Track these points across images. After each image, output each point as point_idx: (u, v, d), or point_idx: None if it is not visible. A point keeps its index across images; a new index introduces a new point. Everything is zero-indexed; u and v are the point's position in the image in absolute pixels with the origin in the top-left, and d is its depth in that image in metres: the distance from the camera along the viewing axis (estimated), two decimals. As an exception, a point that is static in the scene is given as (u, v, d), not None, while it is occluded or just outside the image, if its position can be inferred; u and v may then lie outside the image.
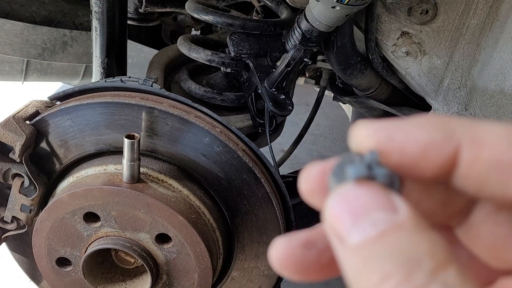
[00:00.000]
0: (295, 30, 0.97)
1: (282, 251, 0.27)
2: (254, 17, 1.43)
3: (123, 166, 0.78)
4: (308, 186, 0.27)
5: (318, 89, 1.60)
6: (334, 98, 1.41)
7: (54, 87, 2.55)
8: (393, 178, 0.25)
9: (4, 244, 0.95)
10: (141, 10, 1.42)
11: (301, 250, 0.27)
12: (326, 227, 0.25)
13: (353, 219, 0.24)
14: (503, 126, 0.24)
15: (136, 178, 0.80)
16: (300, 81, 1.64)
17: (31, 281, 1.05)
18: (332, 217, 0.25)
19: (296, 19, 0.97)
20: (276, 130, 1.23)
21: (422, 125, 0.24)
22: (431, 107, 1.06)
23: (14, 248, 1.00)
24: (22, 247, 0.99)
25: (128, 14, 1.30)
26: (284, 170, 1.41)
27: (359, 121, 0.27)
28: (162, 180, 0.84)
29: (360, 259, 0.23)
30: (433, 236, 0.22)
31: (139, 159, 0.79)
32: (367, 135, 0.26)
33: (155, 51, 1.53)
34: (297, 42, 0.96)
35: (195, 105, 0.85)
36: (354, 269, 0.23)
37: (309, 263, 0.27)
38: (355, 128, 0.27)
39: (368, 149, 0.26)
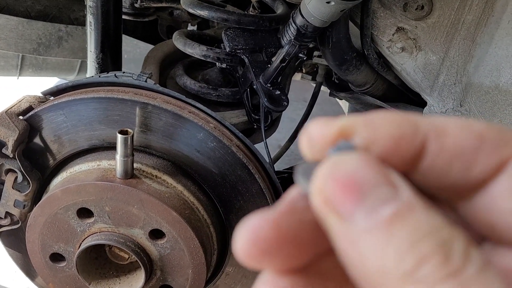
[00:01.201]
0: (290, 26, 0.96)
1: (264, 227, 0.24)
2: (251, 13, 1.42)
3: (117, 162, 0.78)
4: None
5: (313, 85, 1.60)
6: (330, 94, 1.41)
7: (50, 82, 2.54)
8: None
9: (-2, 239, 0.95)
10: (136, 5, 1.42)
11: (290, 217, 0.24)
12: (319, 203, 0.22)
13: (358, 195, 0.21)
14: (463, 119, 0.24)
15: (130, 174, 0.80)
16: (297, 77, 1.63)
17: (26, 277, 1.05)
18: (330, 192, 0.22)
19: (291, 15, 0.96)
20: (272, 126, 1.23)
21: (391, 120, 0.24)
22: (426, 103, 1.06)
23: (8, 244, 1.00)
24: (16, 242, 0.99)
25: (123, 9, 1.30)
26: (280, 166, 1.41)
27: (316, 121, 0.25)
28: (156, 176, 0.83)
29: (380, 242, 0.21)
30: (442, 216, 0.21)
31: (133, 155, 0.78)
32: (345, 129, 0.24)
33: (151, 47, 1.53)
34: (292, 38, 0.96)
35: (189, 100, 0.85)
36: (373, 253, 0.21)
37: (304, 236, 0.24)
38: (320, 125, 0.25)
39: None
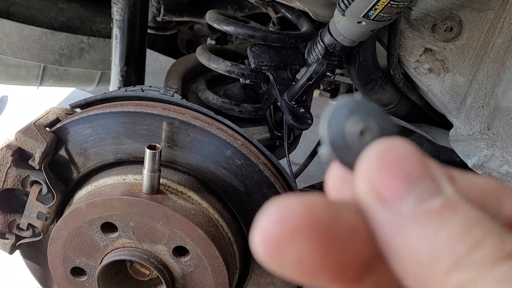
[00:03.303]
0: (318, 44, 0.96)
1: (300, 206, 0.21)
2: (271, 29, 1.43)
3: (143, 177, 0.77)
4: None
5: (331, 102, 1.59)
6: (351, 112, 1.40)
7: (64, 93, 2.56)
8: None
9: (17, 250, 0.94)
10: (158, 19, 1.43)
11: (326, 209, 0.22)
12: (366, 192, 0.22)
13: (407, 184, 0.22)
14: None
15: (156, 189, 0.79)
16: (315, 93, 1.63)
17: (41, 288, 1.04)
18: (378, 179, 0.22)
19: (319, 33, 0.96)
20: (293, 143, 1.22)
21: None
22: (450, 124, 1.05)
23: (27, 255, 0.99)
24: (35, 254, 0.98)
25: (146, 22, 1.30)
26: (298, 184, 1.40)
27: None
28: (182, 192, 0.83)
29: (430, 229, 0.21)
30: (484, 211, 0.22)
31: (160, 170, 0.78)
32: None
33: (171, 60, 1.53)
34: (320, 56, 0.95)
35: (218, 117, 0.84)
36: (422, 239, 0.21)
37: (335, 231, 0.21)
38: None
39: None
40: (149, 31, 1.45)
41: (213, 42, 1.73)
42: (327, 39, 0.93)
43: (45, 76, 1.44)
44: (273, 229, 0.21)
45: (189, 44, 1.62)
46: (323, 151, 0.24)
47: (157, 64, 1.51)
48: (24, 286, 1.54)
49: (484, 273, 0.20)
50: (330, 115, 0.24)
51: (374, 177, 0.22)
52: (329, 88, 1.64)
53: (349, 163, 0.24)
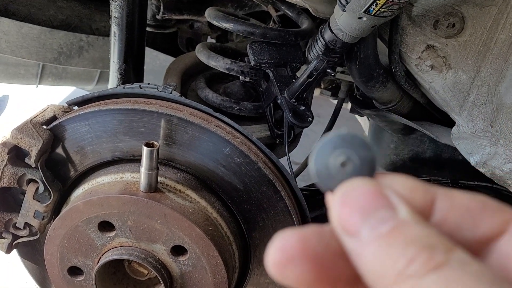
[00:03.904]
0: (318, 41, 0.95)
1: (294, 238, 0.28)
2: (271, 26, 1.41)
3: (141, 175, 0.76)
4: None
5: (332, 101, 1.58)
6: (352, 111, 1.39)
7: (64, 92, 2.55)
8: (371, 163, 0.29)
9: (14, 250, 0.93)
10: (158, 17, 1.42)
11: (316, 238, 0.28)
12: (336, 225, 0.28)
13: (362, 217, 0.27)
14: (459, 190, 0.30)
15: (154, 188, 0.78)
16: (316, 92, 1.62)
17: (39, 288, 1.03)
18: (342, 215, 0.28)
19: (319, 29, 0.95)
20: (293, 141, 1.21)
21: (408, 180, 0.29)
22: (453, 122, 1.04)
23: (24, 255, 0.98)
24: (32, 253, 0.97)
25: (145, 20, 1.29)
26: (299, 183, 1.39)
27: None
28: (180, 190, 0.81)
29: (378, 250, 0.26)
30: (432, 228, 0.27)
31: (157, 168, 0.77)
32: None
33: (170, 58, 1.52)
34: (320, 53, 0.94)
35: (216, 114, 0.83)
36: (374, 259, 0.26)
37: (324, 256, 0.28)
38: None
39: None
40: (148, 29, 1.44)
41: (214, 40, 1.72)
42: (327, 35, 0.92)
43: (44, 74, 1.43)
44: (276, 256, 0.28)
45: (189, 42, 1.61)
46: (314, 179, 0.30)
47: (157, 62, 1.50)
48: (24, 286, 1.53)
49: (417, 284, 0.24)
50: (317, 149, 0.29)
51: (339, 213, 0.28)
52: (330, 87, 1.63)
53: (332, 190, 0.29)
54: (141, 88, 0.89)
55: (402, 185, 0.29)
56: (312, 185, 1.17)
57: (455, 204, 0.28)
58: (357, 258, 0.27)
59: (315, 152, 0.29)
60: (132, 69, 1.11)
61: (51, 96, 2.50)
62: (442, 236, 0.26)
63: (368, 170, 0.29)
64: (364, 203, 0.27)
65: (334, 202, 0.28)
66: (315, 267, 0.28)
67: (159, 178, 0.80)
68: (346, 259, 0.28)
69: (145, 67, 1.24)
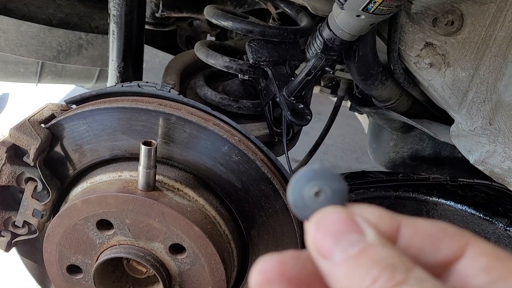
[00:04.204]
0: (317, 39, 0.95)
1: (273, 262, 0.31)
2: (271, 24, 1.41)
3: (139, 173, 0.76)
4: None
5: (332, 98, 1.58)
6: (351, 108, 1.38)
7: (65, 90, 2.55)
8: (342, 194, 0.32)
9: (13, 248, 0.93)
10: (157, 15, 1.41)
11: (293, 262, 0.31)
12: (311, 249, 0.31)
13: (334, 241, 0.30)
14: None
15: (152, 186, 0.78)
16: (315, 90, 1.62)
17: (39, 286, 1.03)
18: (316, 240, 0.31)
19: (318, 27, 0.95)
20: (292, 139, 1.21)
21: (375, 209, 0.32)
22: (452, 120, 1.04)
23: (23, 253, 0.99)
24: (31, 252, 0.98)
25: (144, 18, 1.29)
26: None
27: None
28: (178, 189, 0.82)
29: (348, 270, 0.29)
30: (396, 249, 0.30)
31: (155, 167, 0.77)
32: None
33: (170, 56, 1.52)
34: (319, 51, 0.94)
35: (214, 112, 0.83)
36: (344, 278, 0.29)
37: (300, 277, 0.31)
38: None
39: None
40: (148, 27, 1.43)
41: (213, 38, 1.72)
42: (326, 33, 0.92)
43: (44, 73, 1.43)
44: (257, 278, 0.31)
45: (189, 40, 1.61)
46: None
47: (156, 60, 1.50)
48: (24, 284, 1.54)
49: None
50: (293, 182, 0.32)
51: (314, 237, 0.31)
52: (329, 85, 1.63)
53: (308, 218, 0.32)
54: (139, 86, 0.89)
55: (370, 213, 0.32)
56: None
57: (418, 231, 0.31)
58: (330, 278, 0.30)
59: (291, 184, 0.32)
60: (131, 67, 1.11)
61: (51, 94, 2.50)
62: (404, 256, 0.29)
63: (339, 199, 0.32)
64: (336, 228, 0.30)
65: (309, 228, 0.31)
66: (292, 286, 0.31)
67: (157, 177, 0.80)
68: (321, 281, 0.31)
69: (144, 65, 1.24)
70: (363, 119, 1.68)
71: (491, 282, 0.29)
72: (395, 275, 0.28)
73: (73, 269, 0.85)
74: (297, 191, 0.32)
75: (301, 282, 0.31)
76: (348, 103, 1.45)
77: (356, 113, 1.61)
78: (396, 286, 0.27)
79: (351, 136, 2.88)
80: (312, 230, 0.31)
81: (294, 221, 0.84)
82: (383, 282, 0.27)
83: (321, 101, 2.66)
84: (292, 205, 0.33)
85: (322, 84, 1.65)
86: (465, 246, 0.31)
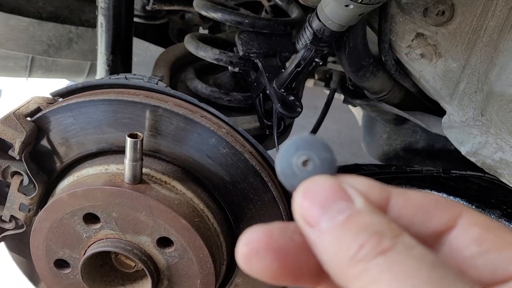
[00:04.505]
0: (306, 29, 0.94)
1: (260, 233, 0.30)
2: (261, 16, 1.40)
3: (125, 166, 0.76)
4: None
5: (327, 92, 1.56)
6: (345, 101, 1.37)
7: (58, 85, 2.54)
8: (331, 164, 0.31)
9: (2, 243, 0.93)
10: (148, 8, 1.40)
11: (280, 233, 0.30)
12: (298, 218, 0.30)
13: (322, 209, 0.29)
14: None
15: (138, 179, 0.77)
16: (310, 83, 1.61)
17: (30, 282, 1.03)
18: (303, 208, 0.30)
19: (307, 18, 0.94)
20: (284, 132, 1.20)
21: (366, 180, 0.32)
22: (444, 111, 1.03)
23: (12, 248, 0.98)
24: (20, 247, 0.97)
25: (135, 11, 1.28)
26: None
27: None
28: (165, 182, 0.81)
29: (335, 238, 0.28)
30: (385, 216, 0.29)
31: (142, 159, 0.76)
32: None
33: (161, 50, 1.51)
34: (308, 42, 0.93)
35: (201, 104, 0.82)
36: (331, 246, 0.28)
37: (287, 248, 0.30)
38: None
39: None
40: (139, 20, 1.42)
41: (206, 31, 1.70)
42: (315, 24, 0.91)
43: (34, 67, 1.41)
44: (243, 250, 0.30)
45: (181, 33, 1.59)
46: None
47: (148, 54, 1.49)
48: (25, 281, 1.53)
49: (367, 267, 0.26)
50: (281, 151, 0.32)
51: (300, 207, 0.30)
52: (323, 78, 1.62)
53: (296, 188, 0.31)
54: (126, 78, 0.88)
55: (359, 183, 0.31)
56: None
57: (409, 202, 0.31)
58: (317, 247, 0.29)
59: (279, 153, 0.32)
60: (120, 60, 1.10)
61: (45, 89, 2.48)
62: (392, 223, 0.28)
63: (328, 169, 0.31)
64: (323, 196, 0.30)
65: (296, 197, 0.30)
66: (279, 260, 0.30)
67: (144, 170, 0.79)
68: (309, 252, 0.30)
69: (136, 59, 1.22)
70: (357, 112, 1.67)
71: (482, 253, 0.28)
72: (382, 242, 0.27)
73: (61, 264, 0.84)
74: (285, 159, 0.31)
75: (288, 253, 0.30)
76: (342, 96, 1.44)
77: (350, 106, 1.60)
78: (383, 252, 0.27)
79: (347, 131, 2.88)
80: (299, 199, 0.30)
81: (283, 213, 0.84)
82: (369, 248, 0.27)
83: (317, 95, 2.65)
84: (279, 174, 0.31)
85: (316, 77, 1.64)
86: (457, 216, 0.30)
